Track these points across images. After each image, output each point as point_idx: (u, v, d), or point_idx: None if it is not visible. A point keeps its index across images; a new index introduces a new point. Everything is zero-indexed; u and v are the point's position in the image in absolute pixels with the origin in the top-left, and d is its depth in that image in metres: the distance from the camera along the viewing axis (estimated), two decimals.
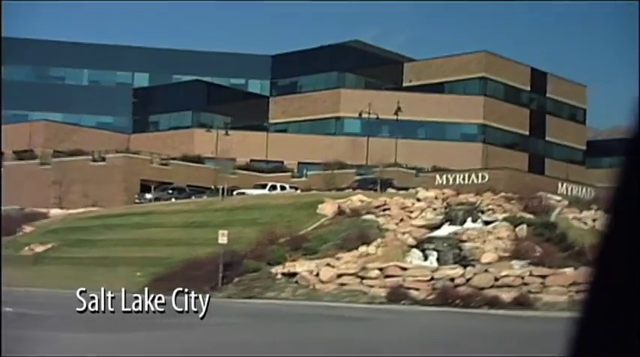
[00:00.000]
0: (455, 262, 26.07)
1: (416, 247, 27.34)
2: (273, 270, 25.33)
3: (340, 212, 31.61)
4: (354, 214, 31.23)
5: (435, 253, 26.78)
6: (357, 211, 31.61)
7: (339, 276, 23.55)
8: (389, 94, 72.08)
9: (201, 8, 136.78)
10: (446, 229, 29.66)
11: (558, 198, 32.67)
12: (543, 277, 22.60)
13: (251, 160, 71.76)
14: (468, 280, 22.63)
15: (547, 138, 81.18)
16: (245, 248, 27.24)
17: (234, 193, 47.38)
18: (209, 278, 25.22)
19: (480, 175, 36.51)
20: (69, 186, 51.71)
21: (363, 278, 23.22)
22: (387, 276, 23.05)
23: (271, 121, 78.78)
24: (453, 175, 37.45)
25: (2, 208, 33.54)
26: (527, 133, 78.47)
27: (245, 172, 65.73)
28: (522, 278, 22.57)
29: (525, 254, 25.71)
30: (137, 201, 49.49)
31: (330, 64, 76.70)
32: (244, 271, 25.79)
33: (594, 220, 30.61)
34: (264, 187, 48.86)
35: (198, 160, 61.76)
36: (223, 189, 45.90)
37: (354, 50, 78.64)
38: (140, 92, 78.06)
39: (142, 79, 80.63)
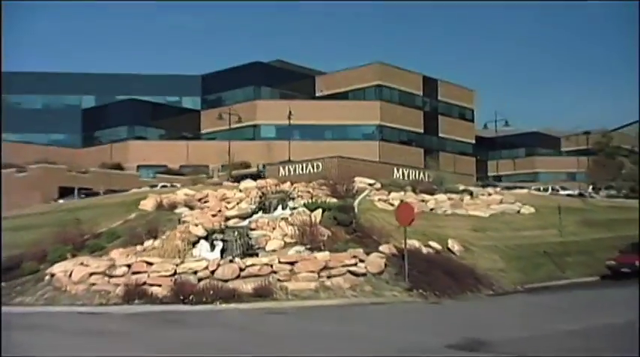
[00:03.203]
0: (243, 252, 20.17)
1: (205, 238, 21.36)
2: (48, 272, 19.17)
3: (159, 206, 25.53)
4: (170, 208, 25.17)
5: (220, 244, 20.82)
6: (175, 204, 25.57)
7: (91, 275, 17.51)
8: (300, 103, 68.18)
9: (140, 36, 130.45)
10: (254, 218, 23.73)
11: (371, 181, 26.80)
12: (292, 263, 16.70)
13: (180, 166, 66.69)
14: (212, 272, 16.68)
15: (440, 134, 76.61)
16: (33, 250, 21.04)
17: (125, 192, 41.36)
18: None
19: (315, 164, 30.70)
20: None
21: (110, 277, 17.20)
22: (134, 273, 17.06)
23: (202, 131, 74.10)
24: (294, 166, 31.64)
25: None
26: (421, 131, 73.77)
27: (165, 175, 60.01)
28: (271, 266, 16.65)
29: (310, 239, 19.87)
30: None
31: (251, 80, 72.27)
32: (19, 274, 19.60)
33: (401, 201, 24.87)
34: (154, 187, 42.88)
35: (118, 167, 55.82)
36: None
37: (273, 69, 74.28)
38: (88, 112, 73.13)
39: (89, 101, 75.17)
